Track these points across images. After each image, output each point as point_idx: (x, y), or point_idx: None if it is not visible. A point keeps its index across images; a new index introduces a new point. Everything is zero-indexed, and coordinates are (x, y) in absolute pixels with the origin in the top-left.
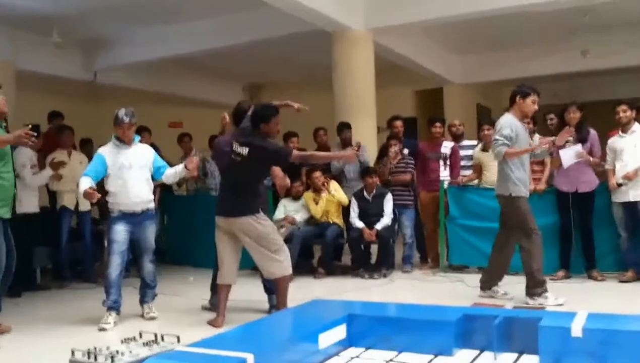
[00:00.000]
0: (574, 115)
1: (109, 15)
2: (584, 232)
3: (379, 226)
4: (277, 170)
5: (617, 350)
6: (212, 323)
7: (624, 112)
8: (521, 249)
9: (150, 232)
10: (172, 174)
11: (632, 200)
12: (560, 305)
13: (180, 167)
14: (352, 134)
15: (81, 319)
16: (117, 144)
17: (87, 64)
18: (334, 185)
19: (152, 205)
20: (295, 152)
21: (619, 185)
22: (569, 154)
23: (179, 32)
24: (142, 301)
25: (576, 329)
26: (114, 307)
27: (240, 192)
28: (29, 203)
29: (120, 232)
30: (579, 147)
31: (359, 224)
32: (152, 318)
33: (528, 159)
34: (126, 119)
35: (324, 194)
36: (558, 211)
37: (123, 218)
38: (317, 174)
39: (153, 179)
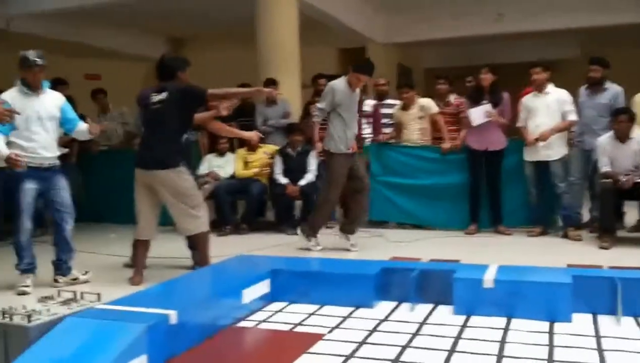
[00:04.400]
0: (485, 76)
1: None
2: (492, 189)
3: (302, 182)
4: (218, 124)
5: (524, 299)
6: (131, 280)
7: (538, 74)
8: (319, 195)
9: (64, 191)
10: (81, 132)
11: (544, 159)
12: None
13: (86, 131)
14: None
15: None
16: (25, 91)
17: (0, 11)
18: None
19: (58, 161)
20: (210, 90)
21: (537, 140)
22: (478, 113)
23: None
24: (58, 271)
25: (488, 280)
26: (30, 269)
27: (161, 144)
28: None
29: (29, 191)
30: (488, 106)
31: (283, 180)
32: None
33: (350, 120)
34: (38, 61)
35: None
36: (469, 168)
37: (31, 175)
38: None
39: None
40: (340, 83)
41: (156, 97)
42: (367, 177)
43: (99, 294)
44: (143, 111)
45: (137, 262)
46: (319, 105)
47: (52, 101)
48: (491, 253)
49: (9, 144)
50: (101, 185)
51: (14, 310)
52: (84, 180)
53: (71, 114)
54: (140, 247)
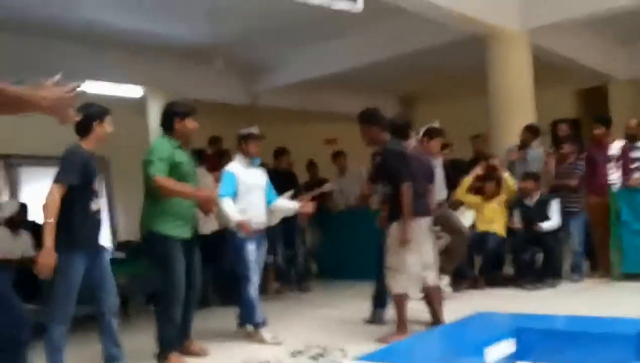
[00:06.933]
0: None
1: (266, 40)
2: None
3: (544, 225)
4: None
5: None
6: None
7: None
8: None
9: (264, 251)
10: (280, 208)
11: None
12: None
13: (292, 211)
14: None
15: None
16: (245, 163)
17: (247, 88)
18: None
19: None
20: None
21: None
22: None
23: (333, 50)
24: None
25: None
26: (266, 321)
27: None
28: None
29: (254, 252)
30: None
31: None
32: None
33: None
34: (260, 134)
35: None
36: None
37: (251, 237)
38: (493, 183)
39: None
40: None
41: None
42: None
43: (343, 349)
44: (406, 163)
45: (403, 318)
46: None
47: (262, 174)
48: None
49: None
50: (341, 243)
51: None
52: (324, 238)
53: (271, 188)
54: (405, 302)
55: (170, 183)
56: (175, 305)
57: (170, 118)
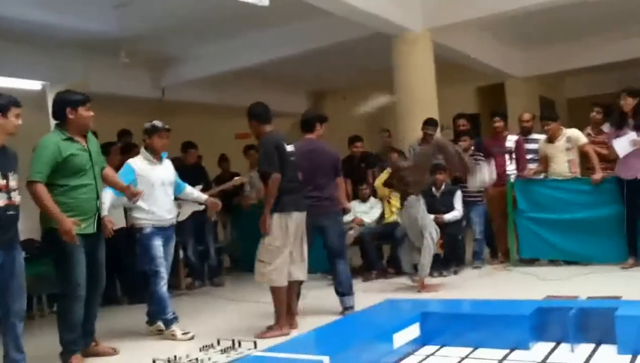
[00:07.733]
0: (625, 101)
1: (174, 33)
2: None
3: (447, 216)
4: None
5: None
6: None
7: None
8: None
9: (172, 246)
10: (190, 195)
11: None
12: None
13: (202, 199)
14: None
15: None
16: (150, 159)
17: (155, 82)
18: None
19: (174, 220)
20: None
21: None
22: (622, 143)
23: (242, 45)
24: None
25: None
26: (177, 317)
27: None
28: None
29: (160, 247)
30: (632, 135)
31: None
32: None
33: None
34: (166, 126)
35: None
36: (622, 199)
37: (157, 233)
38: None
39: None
40: None
41: (289, 149)
42: None
43: (255, 342)
44: (286, 158)
45: (292, 307)
46: None
47: (170, 168)
48: None
49: (133, 208)
50: (252, 236)
51: (178, 359)
52: (236, 232)
53: (179, 179)
54: (284, 293)
55: (42, 197)
56: (76, 304)
57: (61, 108)
